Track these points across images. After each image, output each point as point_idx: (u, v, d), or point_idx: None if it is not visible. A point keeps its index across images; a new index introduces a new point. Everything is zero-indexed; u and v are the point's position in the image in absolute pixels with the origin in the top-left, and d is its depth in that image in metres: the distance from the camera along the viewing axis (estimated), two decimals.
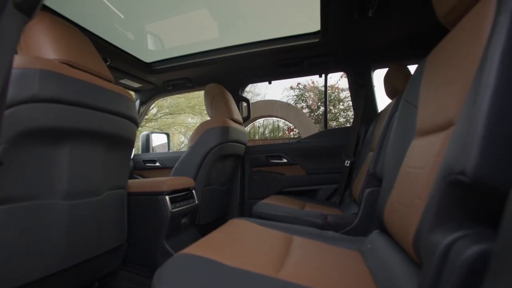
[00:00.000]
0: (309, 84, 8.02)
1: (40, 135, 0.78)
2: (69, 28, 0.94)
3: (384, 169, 1.00)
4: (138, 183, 1.33)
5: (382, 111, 1.66)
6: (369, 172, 1.35)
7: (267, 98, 9.57)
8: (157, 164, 2.40)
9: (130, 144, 1.14)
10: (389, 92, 1.56)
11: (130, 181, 1.29)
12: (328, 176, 2.08)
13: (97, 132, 0.93)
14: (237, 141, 1.87)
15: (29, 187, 0.76)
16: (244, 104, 2.37)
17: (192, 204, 1.47)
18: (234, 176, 2.18)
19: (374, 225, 1.17)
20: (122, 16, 1.67)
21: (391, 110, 1.31)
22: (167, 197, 1.27)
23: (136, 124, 1.15)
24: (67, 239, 0.87)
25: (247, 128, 7.62)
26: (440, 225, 0.50)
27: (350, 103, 7.62)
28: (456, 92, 0.61)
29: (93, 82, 0.91)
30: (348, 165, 1.96)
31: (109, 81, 1.03)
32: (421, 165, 0.69)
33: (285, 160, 2.16)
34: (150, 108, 9.06)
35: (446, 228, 0.48)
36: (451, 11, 0.73)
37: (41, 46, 0.84)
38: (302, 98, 8.24)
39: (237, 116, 1.95)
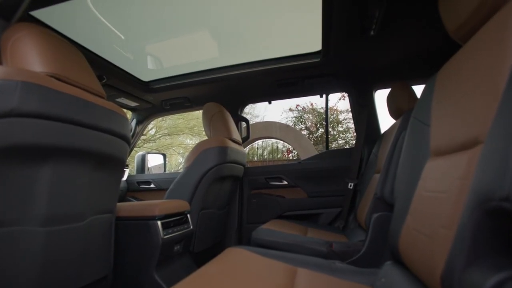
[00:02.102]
0: (307, 106, 8.08)
1: (18, 153, 0.70)
2: (60, 41, 0.90)
3: (396, 192, 0.92)
4: (128, 207, 1.23)
5: (386, 132, 1.61)
6: (376, 196, 1.27)
7: (266, 119, 9.61)
8: (152, 185, 2.30)
9: (121, 164, 1.06)
10: (393, 112, 1.52)
11: (119, 204, 1.20)
12: (330, 199, 1.98)
13: (84, 151, 0.86)
14: (235, 162, 1.79)
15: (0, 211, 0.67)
16: (244, 124, 2.32)
17: (187, 230, 1.37)
18: (232, 199, 2.07)
19: (386, 255, 1.07)
20: (123, 37, 1.66)
21: (397, 130, 1.26)
22: (158, 222, 1.17)
23: (129, 143, 1.08)
24: (42, 272, 0.76)
25: (246, 150, 7.56)
26: (479, 262, 0.42)
27: (349, 125, 7.69)
28: (479, 107, 0.54)
29: (82, 97, 0.85)
30: (351, 187, 1.87)
31: (101, 96, 0.98)
32: (442, 188, 0.61)
33: (285, 182, 2.07)
34: (149, 128, 9.05)
35: (487, 266, 0.40)
36: (463, 25, 0.69)
37: (28, 58, 0.79)
38: (301, 120, 8.26)
39: (236, 136, 1.89)
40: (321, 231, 1.64)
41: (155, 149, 9.15)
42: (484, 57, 0.58)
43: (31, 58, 0.79)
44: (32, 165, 0.74)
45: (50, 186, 0.78)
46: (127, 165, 2.37)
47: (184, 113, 8.93)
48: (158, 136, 9.45)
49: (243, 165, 1.99)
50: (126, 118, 1.05)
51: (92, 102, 0.88)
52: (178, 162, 10.46)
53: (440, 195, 0.61)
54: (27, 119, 0.69)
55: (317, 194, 2.01)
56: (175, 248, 1.30)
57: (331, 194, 1.98)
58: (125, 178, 2.31)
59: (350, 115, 7.72)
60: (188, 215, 1.44)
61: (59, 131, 0.77)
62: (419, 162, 0.80)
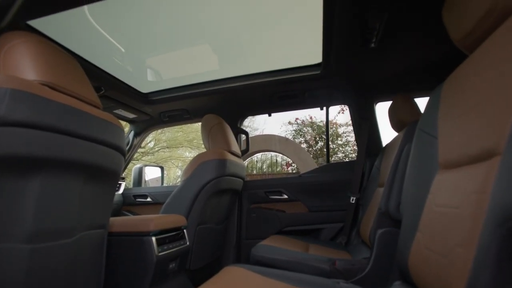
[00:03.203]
0: (307, 119, 8.10)
1: (5, 165, 0.66)
2: (56, 50, 0.88)
3: (403, 207, 0.88)
4: (121, 221, 1.18)
5: (388, 144, 1.58)
6: (380, 211, 1.22)
7: (265, 133, 9.60)
8: (149, 199, 2.24)
9: (115, 176, 1.02)
10: (395, 124, 1.49)
11: (112, 219, 1.15)
12: (332, 214, 1.93)
13: (76, 162, 0.82)
14: (234, 175, 1.75)
15: None
16: (243, 136, 2.29)
17: (183, 246, 1.30)
18: (230, 214, 2.01)
19: (393, 273, 1.01)
20: (122, 49, 1.66)
21: (401, 142, 1.23)
22: (153, 238, 1.11)
23: (124, 154, 1.04)
24: None
25: (245, 163, 7.50)
26: (506, 287, 0.38)
27: (348, 138, 7.69)
28: (493, 117, 0.51)
29: (76, 107, 0.82)
30: (353, 201, 1.82)
31: (97, 107, 0.95)
32: (455, 203, 0.57)
33: (285, 196, 2.02)
34: (148, 141, 8.99)
35: None
36: (469, 33, 0.67)
37: (21, 66, 0.76)
38: (300, 133, 8.26)
39: (235, 148, 1.85)
40: (323, 248, 1.58)
41: (154, 162, 9.08)
42: (496, 67, 0.55)
43: (24, 66, 0.77)
44: (20, 177, 0.70)
45: (38, 200, 0.73)
46: (124, 178, 2.32)
47: (183, 126, 8.93)
48: (157, 149, 9.41)
49: (242, 178, 1.94)
50: (122, 129, 1.02)
51: (86, 112, 0.85)
52: (176, 175, 10.37)
53: (453, 211, 0.57)
54: (15, 128, 0.65)
55: (318, 209, 1.96)
56: (170, 265, 1.24)
57: (332, 208, 1.93)
58: (121, 191, 2.26)
59: (349, 128, 7.75)
60: (185, 230, 1.39)
61: (50, 141, 0.73)
62: (427, 175, 0.76)
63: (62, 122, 0.76)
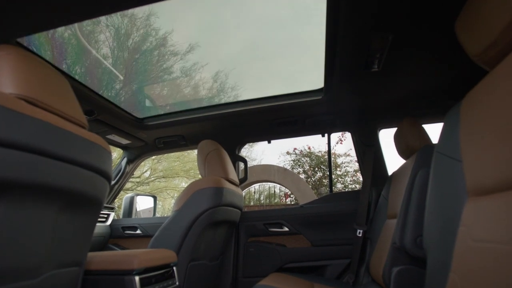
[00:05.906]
0: (305, 149, 8.05)
1: None
2: (42, 66, 0.81)
3: (426, 242, 0.76)
4: (101, 257, 1.03)
5: (395, 172, 1.49)
6: (394, 245, 1.10)
7: (263, 163, 9.49)
8: (138, 231, 2.07)
9: (97, 204, 0.90)
10: (403, 151, 1.41)
11: (91, 254, 1.01)
12: (337, 249, 1.77)
13: (50, 187, 0.71)
14: (231, 205, 1.62)
15: None
16: (241, 165, 2.19)
17: (171, 287, 1.14)
18: (226, 248, 1.84)
19: None
20: (118, 74, 1.62)
21: (412, 169, 1.14)
22: (136, 278, 0.96)
23: (109, 180, 0.93)
24: None
25: (242, 193, 7.29)
26: None
27: (347, 168, 7.58)
28: None
29: (55, 124, 0.73)
30: (360, 235, 1.68)
31: (82, 126, 0.86)
32: (502, 238, 0.47)
33: (286, 229, 1.87)
34: (143, 171, 8.79)
35: None
36: (490, 47, 0.61)
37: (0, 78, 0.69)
38: (299, 163, 8.15)
39: (233, 176, 1.74)
40: None
41: (148, 192, 8.83)
42: None
43: (2, 78, 0.70)
44: None
45: None
46: (113, 208, 2.17)
47: (180, 156, 8.82)
48: (152, 178, 9.21)
49: (240, 209, 1.81)
50: (109, 151, 0.93)
51: (67, 131, 0.76)
52: (171, 206, 10.03)
53: (501, 247, 0.47)
54: None
55: (322, 243, 1.80)
56: None
57: (337, 242, 1.78)
58: (108, 222, 2.09)
59: (348, 158, 7.68)
60: (175, 268, 1.23)
61: (19, 161, 0.63)
62: (454, 204, 0.66)
63: (36, 140, 0.66)
